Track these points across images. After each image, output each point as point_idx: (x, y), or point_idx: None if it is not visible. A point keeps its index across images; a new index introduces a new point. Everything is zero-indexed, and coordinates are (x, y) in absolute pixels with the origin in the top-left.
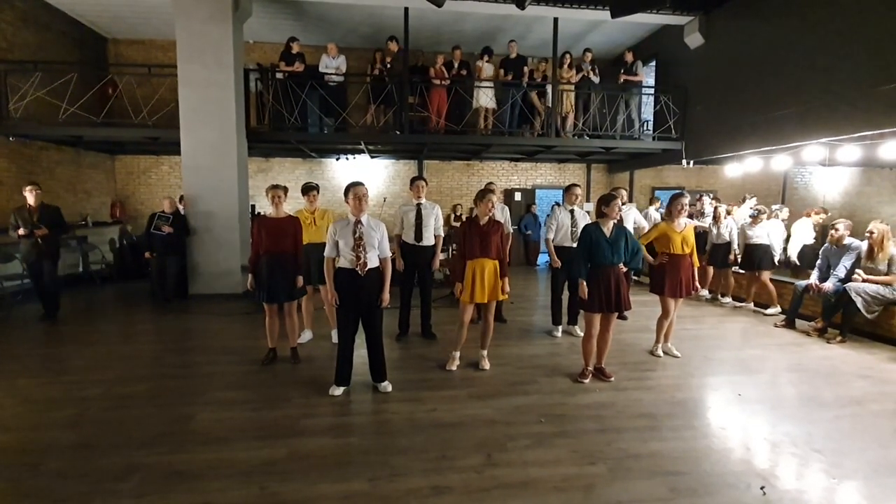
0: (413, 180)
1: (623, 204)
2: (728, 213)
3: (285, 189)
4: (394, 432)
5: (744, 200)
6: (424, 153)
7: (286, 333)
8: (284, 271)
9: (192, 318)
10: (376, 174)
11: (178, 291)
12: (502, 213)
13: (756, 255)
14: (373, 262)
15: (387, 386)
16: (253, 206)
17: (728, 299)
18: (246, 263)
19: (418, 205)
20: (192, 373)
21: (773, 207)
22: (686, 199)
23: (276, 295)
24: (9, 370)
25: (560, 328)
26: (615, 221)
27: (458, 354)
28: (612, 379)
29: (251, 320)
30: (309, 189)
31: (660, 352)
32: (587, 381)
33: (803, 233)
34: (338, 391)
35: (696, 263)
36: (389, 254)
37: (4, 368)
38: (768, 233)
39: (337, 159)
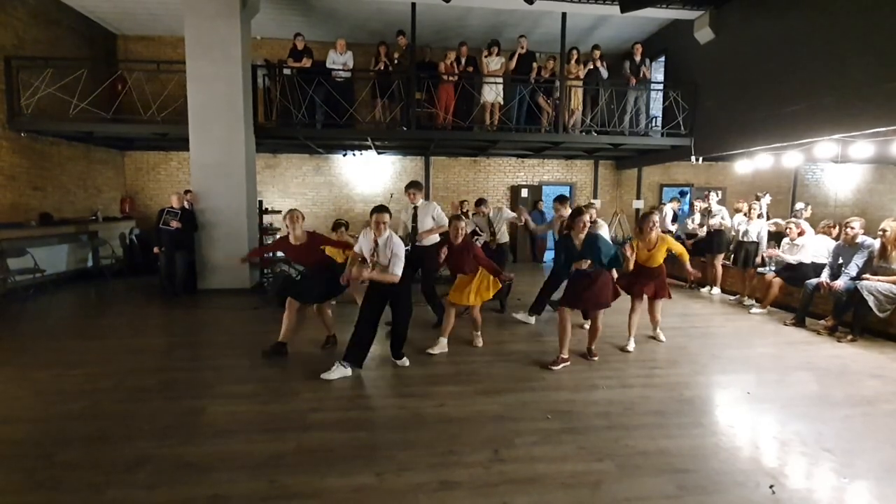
0: (407, 187)
1: (593, 221)
2: (749, 211)
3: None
4: (402, 427)
5: (757, 199)
6: (431, 149)
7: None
8: (319, 277)
9: (201, 312)
10: (383, 170)
11: (186, 286)
12: (499, 221)
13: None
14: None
15: (405, 361)
16: (260, 202)
17: (751, 302)
18: (254, 261)
19: (414, 207)
20: (201, 366)
21: (798, 206)
22: (656, 217)
23: (308, 296)
24: (22, 362)
25: (534, 318)
26: (587, 232)
27: (444, 341)
28: (596, 358)
29: (259, 315)
30: (338, 226)
31: (630, 346)
32: (557, 367)
33: (818, 249)
34: (346, 370)
35: (689, 270)
36: (398, 277)
37: (18, 361)
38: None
39: (344, 155)
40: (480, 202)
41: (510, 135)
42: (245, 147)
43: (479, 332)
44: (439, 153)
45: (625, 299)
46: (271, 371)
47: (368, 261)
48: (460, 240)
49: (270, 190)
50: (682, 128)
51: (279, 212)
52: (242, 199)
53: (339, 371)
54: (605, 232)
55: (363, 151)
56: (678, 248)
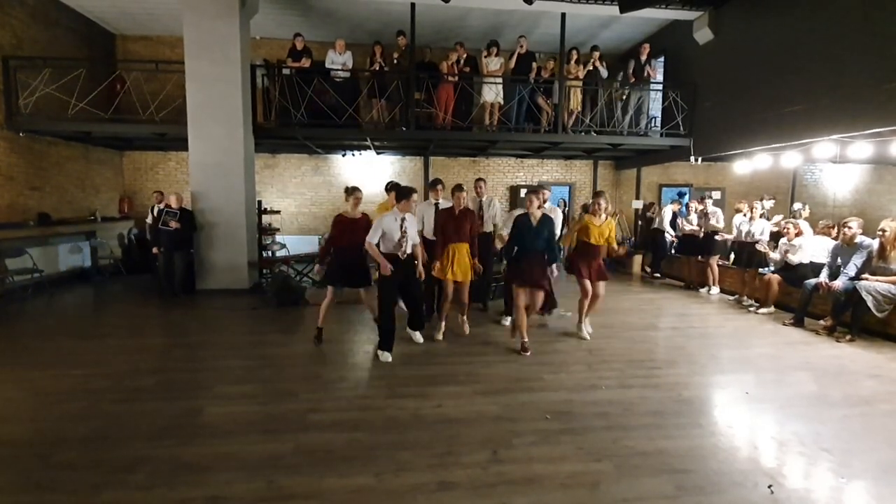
0: (433, 184)
1: (545, 202)
2: (750, 211)
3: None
4: (400, 427)
5: (761, 199)
6: (431, 149)
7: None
8: (355, 263)
9: (200, 312)
10: (382, 170)
11: (185, 286)
12: (490, 208)
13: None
14: (408, 249)
15: (419, 337)
16: (259, 202)
17: (750, 302)
18: (253, 259)
19: (436, 204)
20: (199, 367)
21: (796, 207)
22: (603, 201)
23: (349, 281)
24: (20, 362)
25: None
26: (542, 213)
27: (443, 325)
28: (529, 353)
29: (258, 316)
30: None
31: (584, 333)
32: (529, 353)
33: (816, 250)
34: (388, 357)
35: (616, 252)
36: (419, 240)
37: (16, 361)
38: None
39: (343, 155)
40: (479, 181)
41: (509, 135)
42: (244, 147)
43: (465, 317)
44: (438, 153)
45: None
46: (269, 372)
47: (398, 243)
48: (462, 207)
49: (269, 190)
50: (682, 128)
51: (278, 212)
52: (241, 199)
53: (386, 357)
54: (558, 221)
55: (362, 151)
56: (613, 231)
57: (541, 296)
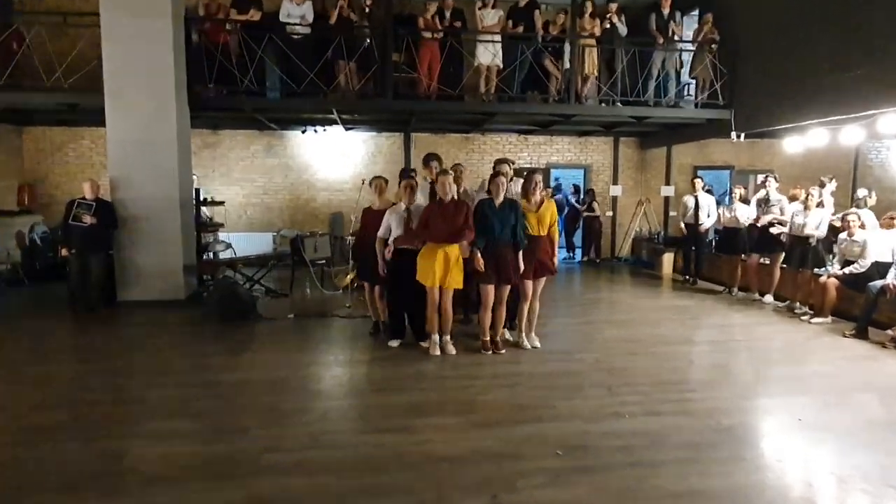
0: (427, 159)
1: (510, 180)
2: (806, 199)
3: (386, 180)
4: (377, 469)
5: (822, 185)
6: (413, 124)
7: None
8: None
9: (123, 330)
10: (353, 150)
11: (103, 297)
12: (479, 189)
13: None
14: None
15: (428, 343)
16: (198, 191)
17: (803, 309)
18: (191, 262)
19: (431, 183)
20: (123, 398)
21: (860, 194)
22: (539, 177)
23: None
24: None
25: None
26: (504, 195)
27: (436, 338)
28: (503, 352)
29: (197, 333)
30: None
31: (526, 343)
32: (490, 352)
33: (882, 247)
34: (395, 343)
35: (555, 240)
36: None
37: None
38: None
39: (303, 132)
40: (457, 166)
41: (510, 105)
42: (177, 121)
43: (448, 336)
44: (422, 129)
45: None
46: (213, 402)
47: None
48: (449, 197)
49: (210, 175)
50: (721, 97)
51: (222, 203)
52: (174, 187)
53: (396, 341)
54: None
55: (327, 127)
56: (555, 218)
57: (506, 291)
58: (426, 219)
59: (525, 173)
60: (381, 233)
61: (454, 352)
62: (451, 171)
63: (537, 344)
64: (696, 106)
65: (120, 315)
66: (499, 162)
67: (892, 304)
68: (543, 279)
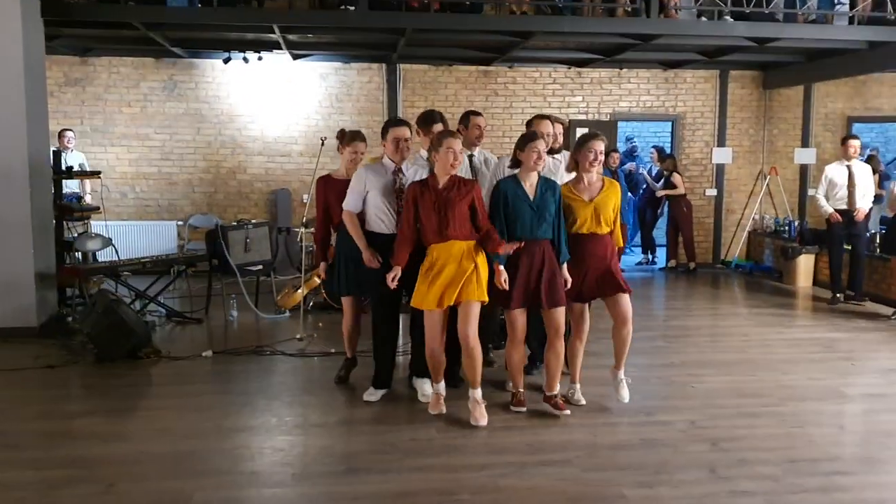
0: (425, 120)
1: (558, 152)
2: None
3: (361, 136)
4: None
5: None
6: (400, 49)
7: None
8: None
9: None
10: (305, 88)
11: None
12: (491, 173)
13: None
14: None
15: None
16: (56, 153)
17: None
18: (48, 269)
19: (470, 156)
20: None
21: None
22: (601, 145)
23: (359, 286)
24: None
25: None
26: (538, 174)
27: (442, 387)
28: (568, 412)
29: (58, 381)
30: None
31: (580, 397)
32: (522, 409)
33: None
34: (376, 395)
35: (619, 240)
36: None
37: None
38: None
39: (226, 61)
40: (466, 119)
41: (556, 21)
42: (22, 43)
43: (478, 391)
44: (414, 58)
45: None
46: (87, 489)
47: (392, 213)
48: (449, 173)
49: (78, 128)
50: (891, 9)
51: (98, 173)
52: (22, 146)
53: (372, 396)
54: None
55: (264, 53)
56: (618, 207)
57: (561, 316)
58: (410, 210)
59: (578, 137)
60: (346, 203)
61: (485, 420)
62: (458, 133)
63: (621, 398)
64: (851, 21)
65: None
66: (538, 118)
67: None
68: (628, 301)
